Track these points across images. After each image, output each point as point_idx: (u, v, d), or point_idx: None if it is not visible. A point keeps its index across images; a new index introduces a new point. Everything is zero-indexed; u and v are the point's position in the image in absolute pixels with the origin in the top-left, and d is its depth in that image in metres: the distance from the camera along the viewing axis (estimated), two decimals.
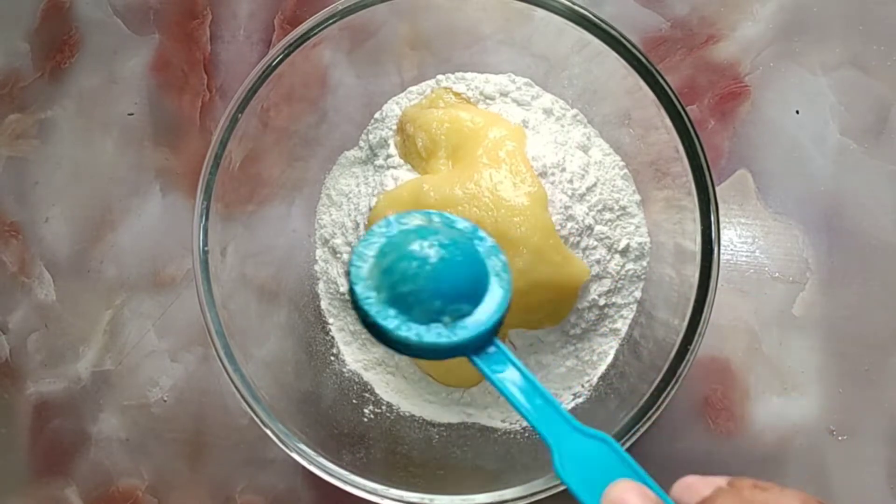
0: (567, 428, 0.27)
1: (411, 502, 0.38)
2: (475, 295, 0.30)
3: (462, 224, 0.34)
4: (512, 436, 0.47)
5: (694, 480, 0.25)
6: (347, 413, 0.47)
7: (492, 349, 0.30)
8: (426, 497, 0.38)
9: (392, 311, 0.29)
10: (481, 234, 0.33)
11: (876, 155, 0.50)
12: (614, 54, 0.41)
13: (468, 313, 0.30)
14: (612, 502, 0.24)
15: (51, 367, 0.56)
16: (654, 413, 0.38)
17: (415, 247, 0.30)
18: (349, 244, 0.48)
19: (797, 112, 0.51)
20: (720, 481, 0.25)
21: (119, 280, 0.56)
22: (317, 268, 0.51)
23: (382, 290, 0.30)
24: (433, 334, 0.29)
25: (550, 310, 0.44)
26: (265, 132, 0.46)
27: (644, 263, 0.47)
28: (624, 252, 0.45)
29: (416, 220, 0.33)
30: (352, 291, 0.30)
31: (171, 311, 0.55)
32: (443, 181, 0.43)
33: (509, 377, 0.29)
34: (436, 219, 0.33)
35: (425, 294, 0.29)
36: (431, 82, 0.50)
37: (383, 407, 0.49)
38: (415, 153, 0.47)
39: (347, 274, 0.31)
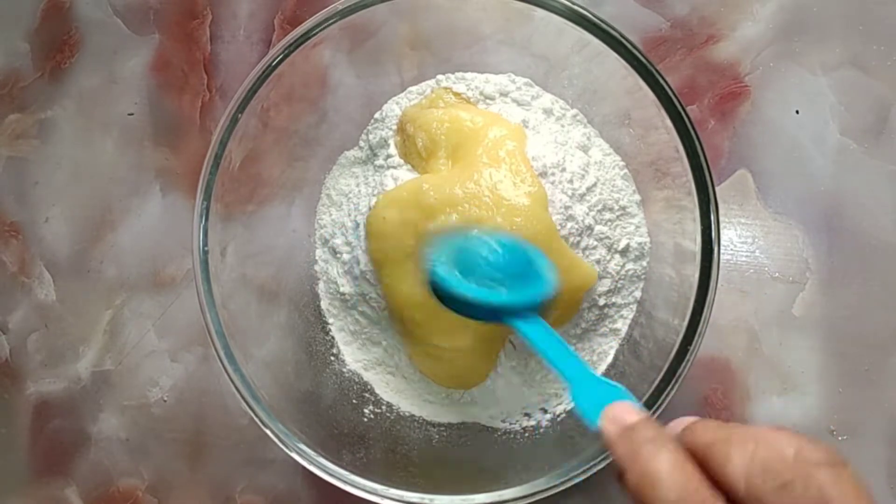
0: (587, 374, 0.32)
1: (411, 502, 0.38)
2: (527, 279, 0.36)
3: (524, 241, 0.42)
4: (512, 436, 0.47)
5: (687, 418, 0.27)
6: (347, 413, 0.47)
7: (532, 319, 0.35)
8: (426, 497, 0.38)
9: (461, 276, 0.36)
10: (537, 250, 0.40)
11: (876, 155, 0.50)
12: (614, 54, 0.41)
13: (519, 289, 0.36)
14: (610, 418, 0.28)
15: (51, 367, 0.56)
16: (654, 413, 0.38)
17: (485, 235, 0.39)
18: (349, 244, 0.48)
19: (797, 112, 0.51)
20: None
21: (119, 280, 0.56)
22: (317, 268, 0.51)
23: (454, 263, 0.36)
24: (494, 295, 0.35)
25: (555, 315, 0.44)
26: (265, 132, 0.46)
27: (644, 263, 0.47)
28: (624, 252, 0.45)
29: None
30: (428, 267, 0.36)
31: (171, 311, 0.55)
32: (443, 181, 0.43)
33: (544, 338, 0.34)
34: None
35: (489, 266, 0.37)
36: (431, 82, 0.50)
37: (383, 407, 0.48)
38: (415, 153, 0.46)
39: (426, 256, 0.37)
